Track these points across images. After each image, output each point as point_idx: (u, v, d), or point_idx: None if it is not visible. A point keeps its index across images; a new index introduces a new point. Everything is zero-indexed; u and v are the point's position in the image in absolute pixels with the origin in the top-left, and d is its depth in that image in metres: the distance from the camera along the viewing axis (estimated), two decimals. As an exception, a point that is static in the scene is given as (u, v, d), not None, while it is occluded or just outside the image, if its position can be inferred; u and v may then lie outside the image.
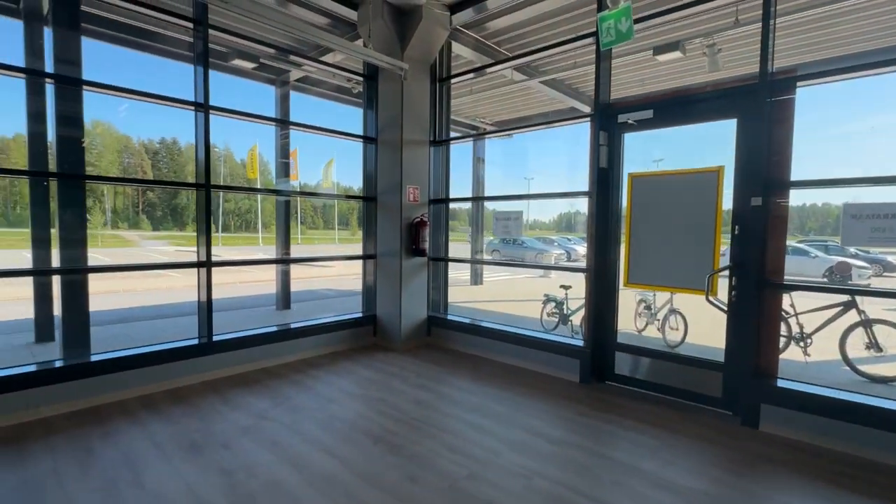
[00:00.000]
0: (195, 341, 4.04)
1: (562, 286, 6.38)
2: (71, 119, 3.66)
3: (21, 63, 4.63)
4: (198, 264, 4.06)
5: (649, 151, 3.99)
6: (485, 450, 2.84)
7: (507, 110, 9.48)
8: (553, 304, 6.44)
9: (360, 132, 5.44)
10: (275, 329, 4.62)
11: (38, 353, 4.93)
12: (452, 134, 5.65)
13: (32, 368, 3.26)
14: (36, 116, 4.81)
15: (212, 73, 4.03)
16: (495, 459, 2.73)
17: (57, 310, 4.10)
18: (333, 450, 2.80)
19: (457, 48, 5.59)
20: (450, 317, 5.37)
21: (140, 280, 12.64)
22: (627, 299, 5.64)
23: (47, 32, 4.27)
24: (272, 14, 3.91)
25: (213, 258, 4.09)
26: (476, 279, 12.75)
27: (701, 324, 5.33)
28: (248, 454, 2.73)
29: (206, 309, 4.08)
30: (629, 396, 3.80)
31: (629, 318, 5.98)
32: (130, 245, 30.00)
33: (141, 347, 3.83)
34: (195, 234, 4.27)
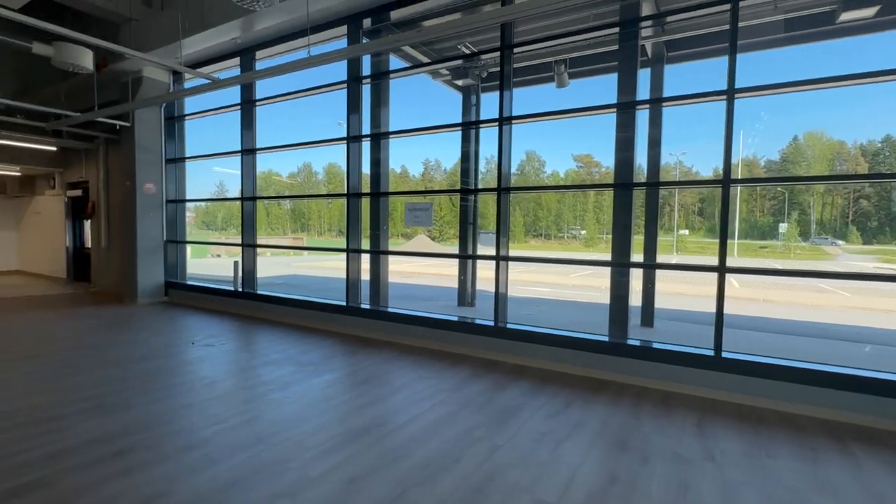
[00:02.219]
0: (708, 352, 3.72)
1: None
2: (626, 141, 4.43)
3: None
4: (715, 269, 3.71)
5: None
6: None
7: None
8: None
9: None
10: (827, 370, 3.32)
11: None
12: None
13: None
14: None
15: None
16: None
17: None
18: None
19: None
20: None
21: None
22: None
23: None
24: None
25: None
26: None
27: None
28: (646, 478, 2.40)
29: (717, 318, 3.66)
30: None
31: None
32: (821, 258, 27.71)
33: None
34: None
